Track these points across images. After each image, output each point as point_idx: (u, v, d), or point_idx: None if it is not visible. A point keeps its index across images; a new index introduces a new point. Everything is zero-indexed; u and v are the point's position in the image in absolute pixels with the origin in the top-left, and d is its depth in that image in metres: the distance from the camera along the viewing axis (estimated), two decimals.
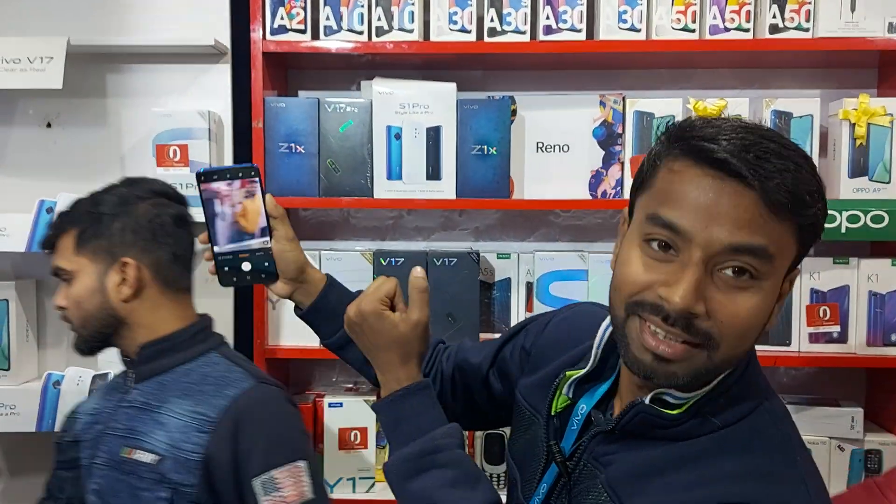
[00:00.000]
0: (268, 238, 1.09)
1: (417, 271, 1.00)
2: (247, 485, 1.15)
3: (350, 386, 2.03)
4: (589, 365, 0.92)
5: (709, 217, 0.75)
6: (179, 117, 1.79)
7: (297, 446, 1.22)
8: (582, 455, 0.89)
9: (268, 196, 1.10)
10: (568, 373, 0.93)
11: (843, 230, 1.71)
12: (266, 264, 1.09)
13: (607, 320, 0.91)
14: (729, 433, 0.81)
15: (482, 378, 1.14)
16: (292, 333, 1.82)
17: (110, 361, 1.78)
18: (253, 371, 1.28)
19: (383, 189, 1.80)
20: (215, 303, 1.88)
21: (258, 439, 1.17)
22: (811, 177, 0.77)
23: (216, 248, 1.09)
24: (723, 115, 0.94)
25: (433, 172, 1.80)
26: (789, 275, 0.82)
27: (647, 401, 0.83)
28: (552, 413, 0.95)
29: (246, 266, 1.09)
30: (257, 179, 1.08)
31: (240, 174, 1.07)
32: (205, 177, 1.07)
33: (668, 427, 0.82)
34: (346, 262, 1.82)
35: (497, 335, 1.86)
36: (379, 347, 0.98)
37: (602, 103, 1.81)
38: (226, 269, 1.09)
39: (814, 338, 1.78)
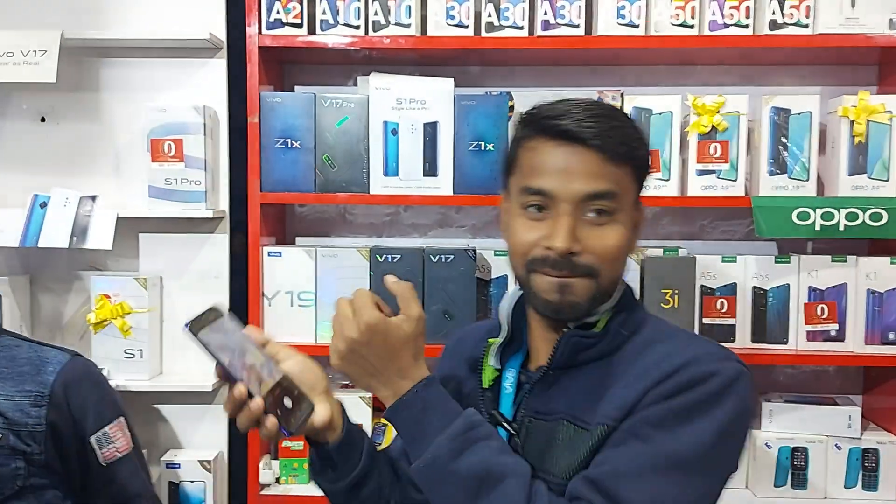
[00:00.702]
0: (272, 365, 0.96)
1: (390, 279, 0.99)
2: (86, 442, 1.33)
3: (346, 382, 2.02)
4: (504, 331, 1.06)
5: (567, 176, 0.96)
6: (174, 112, 1.77)
7: (117, 404, 1.41)
8: (525, 414, 1.02)
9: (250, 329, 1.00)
10: (490, 340, 1.06)
11: (842, 228, 1.70)
12: (294, 392, 0.96)
13: (507, 295, 1.09)
14: (641, 336, 1.01)
15: None
16: (287, 330, 1.81)
17: (105, 358, 1.77)
18: (58, 347, 1.41)
19: (380, 185, 1.79)
20: (210, 299, 1.87)
21: (88, 403, 1.33)
22: (636, 131, 1.00)
23: (254, 401, 0.92)
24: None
25: (430, 169, 1.78)
26: (637, 208, 1.03)
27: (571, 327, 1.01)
28: (483, 387, 1.06)
29: (287, 401, 0.94)
30: (222, 316, 0.95)
31: (211, 318, 0.95)
32: (192, 329, 0.93)
33: (593, 346, 1.01)
34: (342, 260, 1.81)
35: None
36: (391, 356, 0.95)
37: (600, 100, 1.79)
38: (271, 414, 0.93)
39: (811, 336, 1.78)
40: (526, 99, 1.82)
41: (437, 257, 1.80)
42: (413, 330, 0.96)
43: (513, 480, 0.91)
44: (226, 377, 0.93)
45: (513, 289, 1.09)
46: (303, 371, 1.00)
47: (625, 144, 0.97)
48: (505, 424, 1.02)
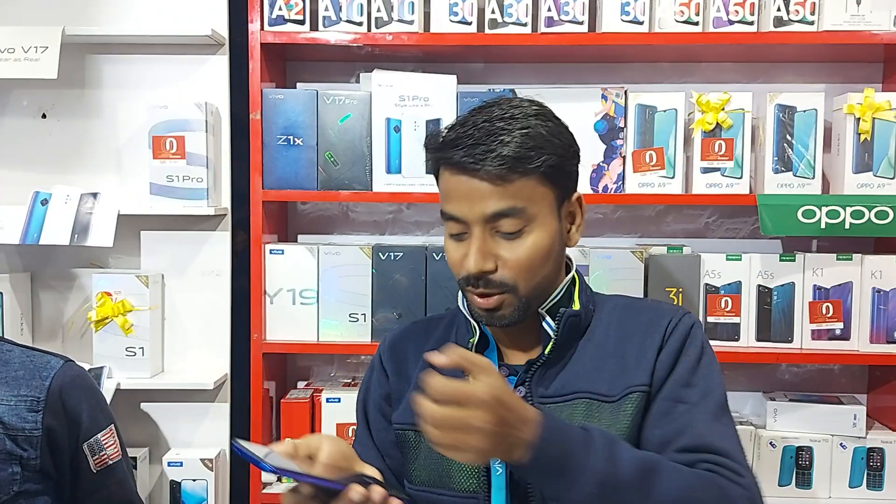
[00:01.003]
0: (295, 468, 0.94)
1: (437, 358, 0.91)
2: (79, 448, 1.33)
3: (348, 381, 2.01)
4: (477, 331, 1.11)
5: (469, 202, 1.03)
6: (176, 109, 1.76)
7: (108, 411, 1.41)
8: (532, 402, 1.05)
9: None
10: (471, 340, 1.11)
11: (847, 226, 1.69)
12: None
13: (460, 297, 1.14)
14: (603, 310, 1.13)
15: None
16: (289, 328, 1.80)
17: (106, 356, 1.77)
18: (50, 352, 1.39)
19: (382, 183, 1.78)
20: (212, 297, 1.87)
21: (83, 408, 1.33)
22: (537, 134, 1.03)
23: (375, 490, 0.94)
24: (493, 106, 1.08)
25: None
26: (565, 204, 1.08)
27: (553, 314, 1.09)
28: None
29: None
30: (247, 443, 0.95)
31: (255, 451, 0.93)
32: (272, 468, 0.92)
33: (578, 324, 1.10)
34: (344, 257, 1.80)
35: None
36: (512, 411, 0.89)
37: (604, 97, 1.79)
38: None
39: (816, 335, 1.77)
40: (529, 96, 1.80)
41: (440, 255, 1.79)
42: (499, 375, 0.91)
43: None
44: (325, 493, 0.93)
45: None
46: (337, 448, 0.98)
47: (520, 159, 1.01)
48: None
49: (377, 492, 0.93)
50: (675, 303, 1.76)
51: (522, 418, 0.90)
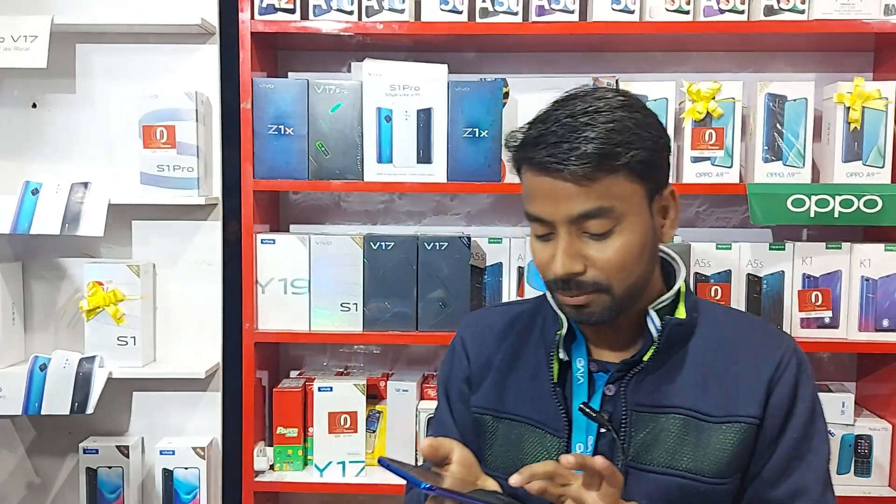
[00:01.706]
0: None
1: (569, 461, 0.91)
2: None
3: (340, 370, 2.02)
4: (566, 324, 1.07)
5: (553, 202, 0.98)
6: (166, 98, 1.76)
7: None
8: (627, 406, 1.03)
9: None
10: (559, 332, 1.06)
11: (836, 215, 1.70)
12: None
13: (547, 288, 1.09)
14: (705, 319, 1.08)
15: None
16: (281, 317, 1.81)
17: (98, 345, 1.77)
18: None
19: (373, 172, 1.78)
20: (203, 287, 1.87)
21: None
22: (623, 127, 0.96)
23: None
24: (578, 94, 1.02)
25: (424, 156, 1.78)
26: (657, 198, 1.02)
27: (660, 317, 1.04)
28: (554, 381, 1.06)
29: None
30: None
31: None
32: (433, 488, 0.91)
33: (681, 332, 1.04)
34: (336, 246, 1.81)
35: None
36: None
37: (593, 86, 1.79)
38: None
39: (805, 323, 1.78)
40: (521, 85, 1.81)
41: (432, 245, 1.79)
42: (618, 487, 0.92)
43: None
44: None
45: None
46: (466, 454, 0.99)
47: (606, 156, 0.95)
48: (603, 421, 1.03)
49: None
50: None
51: None
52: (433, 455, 0.96)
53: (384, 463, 0.92)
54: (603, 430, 1.04)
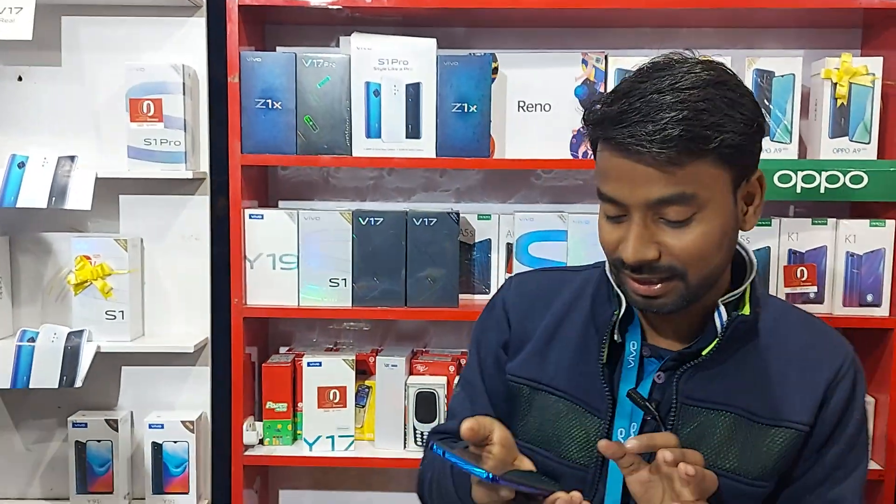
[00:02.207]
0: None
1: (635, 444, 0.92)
2: None
3: (330, 346, 2.02)
4: (624, 305, 1.02)
5: (631, 185, 0.91)
6: (153, 71, 1.75)
7: None
8: (678, 398, 0.99)
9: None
10: (616, 313, 1.02)
11: (822, 191, 1.71)
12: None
13: (607, 264, 1.04)
14: (769, 315, 1.03)
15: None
16: (270, 292, 1.81)
17: (86, 320, 1.77)
18: None
19: (362, 147, 1.78)
20: (192, 262, 1.87)
21: None
22: (714, 107, 0.88)
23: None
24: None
25: (413, 131, 1.77)
26: (744, 185, 0.96)
27: (727, 314, 0.99)
28: (603, 361, 1.02)
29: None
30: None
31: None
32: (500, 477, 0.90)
33: (745, 329, 1.00)
34: (325, 222, 1.80)
35: (477, 295, 1.88)
36: None
37: (584, 62, 1.79)
38: None
39: (791, 298, 1.79)
40: (510, 60, 1.80)
41: (420, 220, 1.79)
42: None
43: None
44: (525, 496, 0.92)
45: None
46: (505, 434, 0.96)
47: (694, 139, 0.87)
48: (650, 408, 0.99)
49: (577, 497, 0.91)
50: None
51: None
52: (473, 437, 0.91)
53: (439, 450, 0.89)
54: (648, 419, 1.00)
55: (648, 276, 0.93)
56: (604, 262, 1.07)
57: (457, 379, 1.15)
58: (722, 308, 0.99)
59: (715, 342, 0.99)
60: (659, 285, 0.94)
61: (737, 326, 0.98)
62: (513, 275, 1.17)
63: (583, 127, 0.98)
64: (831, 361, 1.02)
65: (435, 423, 1.78)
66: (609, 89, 1.74)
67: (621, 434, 1.02)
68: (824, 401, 1.01)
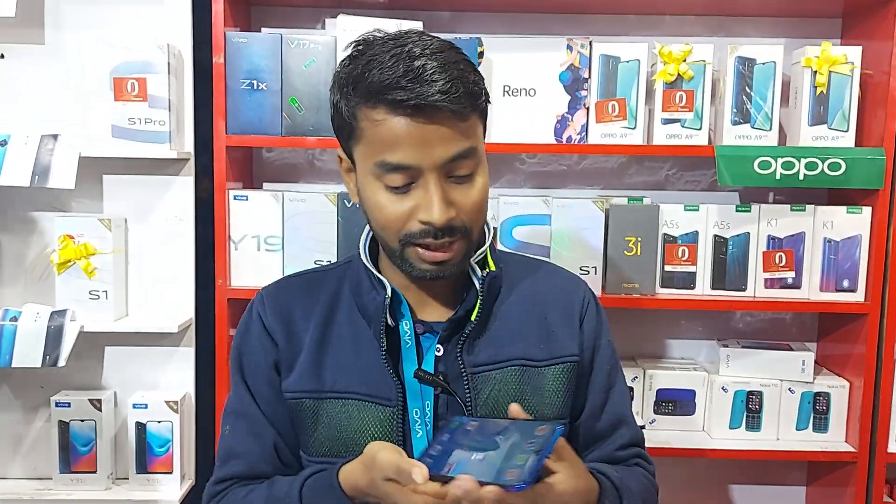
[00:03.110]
0: None
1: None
2: None
3: None
4: (388, 288, 1.03)
5: (426, 146, 0.92)
6: (137, 50, 1.74)
7: None
8: (461, 369, 1.02)
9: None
10: (386, 297, 1.02)
11: (801, 177, 1.74)
12: None
13: (361, 250, 1.07)
14: (509, 269, 1.11)
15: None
16: (254, 274, 1.81)
17: (69, 299, 1.76)
18: None
19: None
20: (176, 242, 1.87)
21: None
22: (472, 71, 0.96)
23: None
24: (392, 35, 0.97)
25: None
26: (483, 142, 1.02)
27: (481, 269, 1.05)
28: (385, 349, 1.02)
29: None
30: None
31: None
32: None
33: (495, 284, 1.06)
34: (309, 204, 1.81)
35: None
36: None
37: (569, 47, 1.80)
38: None
39: (769, 283, 1.82)
40: (494, 45, 1.81)
41: None
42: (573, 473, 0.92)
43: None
44: None
45: (363, 237, 1.08)
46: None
47: (469, 94, 0.94)
48: (439, 381, 1.01)
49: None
50: (633, 252, 1.80)
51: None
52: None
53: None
54: (438, 393, 1.01)
55: (446, 239, 0.96)
56: (351, 256, 1.10)
57: (223, 415, 1.09)
58: (476, 266, 1.04)
59: (478, 301, 1.03)
60: (452, 247, 0.97)
61: (491, 282, 1.04)
62: (260, 291, 1.12)
63: (340, 99, 0.97)
64: (575, 294, 1.12)
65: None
66: (592, 75, 1.78)
67: (416, 415, 1.01)
68: (581, 330, 1.11)
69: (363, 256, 1.06)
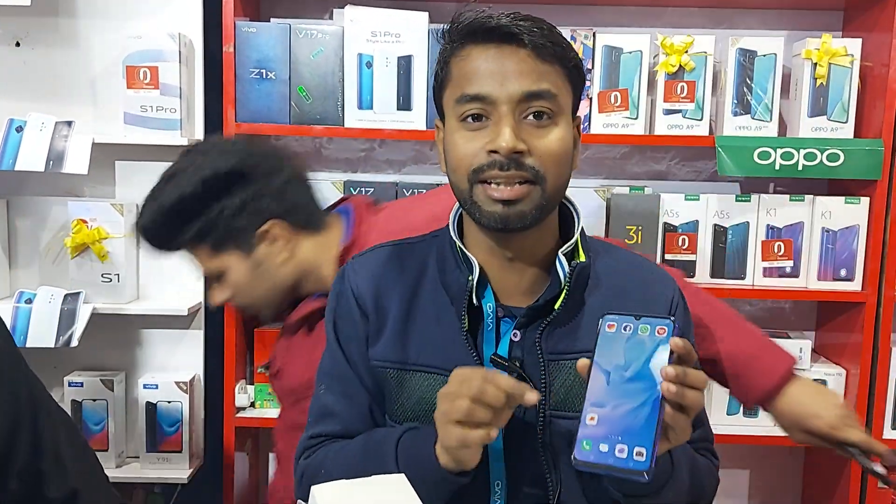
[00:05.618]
0: None
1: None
2: None
3: None
4: (475, 267, 1.01)
5: (503, 77, 0.95)
6: (150, 39, 1.78)
7: None
8: (539, 356, 1.00)
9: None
10: (471, 279, 1.01)
11: (800, 168, 1.76)
12: None
13: (450, 231, 1.04)
14: (600, 260, 1.06)
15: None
16: None
17: (82, 282, 1.81)
18: None
19: (354, 118, 1.82)
20: None
21: None
22: (564, 39, 0.99)
23: None
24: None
25: (404, 102, 1.81)
26: (574, 120, 1.02)
27: (568, 261, 1.02)
28: (466, 329, 1.01)
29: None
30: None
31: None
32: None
33: (584, 275, 1.03)
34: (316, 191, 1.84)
35: None
36: None
37: (573, 38, 1.82)
38: None
39: (768, 272, 1.85)
40: None
41: (410, 192, 1.84)
42: None
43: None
44: None
45: (452, 212, 1.06)
46: None
47: (555, 45, 0.96)
48: (513, 367, 1.00)
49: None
50: (634, 241, 1.83)
51: None
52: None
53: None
54: (514, 377, 0.98)
55: (514, 172, 0.95)
56: (441, 230, 1.09)
57: (317, 374, 1.11)
58: (562, 258, 1.01)
59: (564, 292, 1.01)
60: (521, 187, 0.96)
61: (579, 273, 1.02)
62: (353, 259, 1.13)
63: (443, 45, 1.00)
64: (665, 293, 1.08)
65: None
66: (596, 66, 1.80)
67: None
68: None
69: (452, 231, 1.05)
